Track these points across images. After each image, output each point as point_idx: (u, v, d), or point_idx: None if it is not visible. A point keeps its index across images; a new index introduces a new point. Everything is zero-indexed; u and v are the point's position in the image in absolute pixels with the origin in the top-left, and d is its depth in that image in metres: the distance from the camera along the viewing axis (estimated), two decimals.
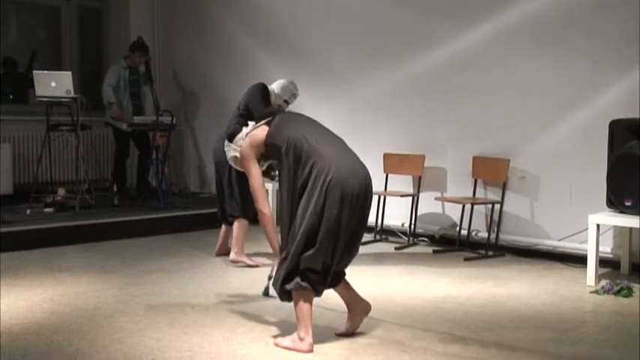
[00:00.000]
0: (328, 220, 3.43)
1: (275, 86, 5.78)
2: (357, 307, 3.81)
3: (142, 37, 8.63)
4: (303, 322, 3.54)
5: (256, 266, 5.53)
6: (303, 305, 3.53)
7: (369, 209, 3.61)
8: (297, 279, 3.51)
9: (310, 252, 3.45)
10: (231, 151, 3.96)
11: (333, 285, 3.70)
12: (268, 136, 3.67)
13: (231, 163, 4.06)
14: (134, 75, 8.36)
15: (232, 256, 5.62)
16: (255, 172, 3.72)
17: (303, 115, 3.91)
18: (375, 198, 6.57)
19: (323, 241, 3.44)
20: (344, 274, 3.76)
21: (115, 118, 8.12)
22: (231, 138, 3.99)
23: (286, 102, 5.80)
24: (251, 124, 3.86)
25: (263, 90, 5.67)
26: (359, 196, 3.49)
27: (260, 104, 5.49)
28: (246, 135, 3.80)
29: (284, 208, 3.61)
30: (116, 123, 8.15)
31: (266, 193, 3.78)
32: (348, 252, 3.60)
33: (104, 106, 8.20)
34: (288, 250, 3.54)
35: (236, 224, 5.64)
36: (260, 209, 3.68)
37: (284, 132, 3.63)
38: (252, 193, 3.72)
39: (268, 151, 3.71)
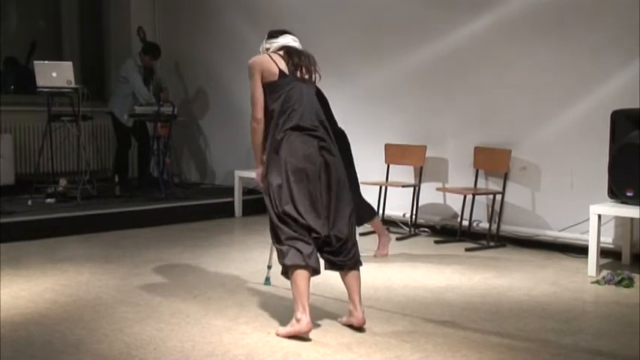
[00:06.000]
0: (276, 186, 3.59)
1: None
2: (353, 313, 3.73)
3: (143, 27, 8.61)
4: (299, 301, 3.52)
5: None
6: (299, 283, 3.53)
7: (322, 171, 3.65)
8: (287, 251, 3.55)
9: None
10: None
11: (336, 265, 3.71)
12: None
13: None
14: (146, 71, 8.34)
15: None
16: (258, 83, 3.77)
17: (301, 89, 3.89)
18: (376, 188, 6.69)
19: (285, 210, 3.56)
20: (345, 255, 3.70)
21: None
22: None
23: None
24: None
25: None
26: (303, 169, 3.59)
27: None
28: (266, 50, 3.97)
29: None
30: (120, 116, 8.08)
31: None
32: (333, 215, 3.65)
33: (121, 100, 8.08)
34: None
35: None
36: (255, 115, 3.75)
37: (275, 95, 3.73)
38: (252, 99, 3.76)
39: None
